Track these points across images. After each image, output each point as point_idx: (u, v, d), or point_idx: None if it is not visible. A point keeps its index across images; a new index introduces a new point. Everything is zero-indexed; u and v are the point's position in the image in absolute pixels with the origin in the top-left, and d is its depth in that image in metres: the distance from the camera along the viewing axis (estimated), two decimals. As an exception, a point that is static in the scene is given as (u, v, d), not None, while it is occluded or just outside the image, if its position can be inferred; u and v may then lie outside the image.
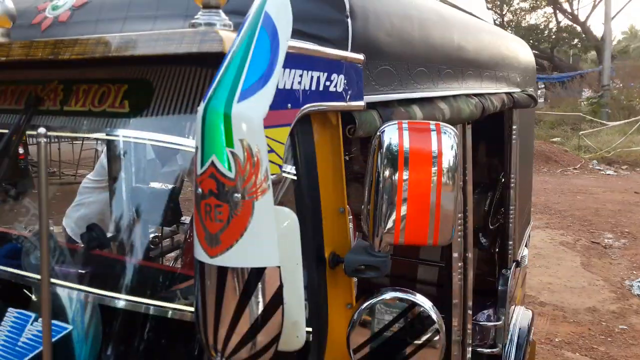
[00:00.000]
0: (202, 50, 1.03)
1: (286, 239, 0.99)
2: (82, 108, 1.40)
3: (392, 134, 1.18)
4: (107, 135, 1.47)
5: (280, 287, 0.93)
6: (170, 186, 2.07)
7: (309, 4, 1.26)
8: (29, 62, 1.34)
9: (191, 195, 0.92)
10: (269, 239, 0.90)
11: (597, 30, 25.65)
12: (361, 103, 1.34)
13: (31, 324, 1.29)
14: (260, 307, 0.91)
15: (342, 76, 1.27)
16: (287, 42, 0.97)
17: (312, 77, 1.15)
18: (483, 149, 3.50)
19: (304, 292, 1.07)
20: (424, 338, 1.20)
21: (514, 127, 2.90)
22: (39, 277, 1.35)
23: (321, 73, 1.19)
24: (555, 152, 16.09)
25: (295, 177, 1.24)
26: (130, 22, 1.41)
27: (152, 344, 1.33)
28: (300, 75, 1.11)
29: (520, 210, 3.28)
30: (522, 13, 32.69)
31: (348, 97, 1.30)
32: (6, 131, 1.47)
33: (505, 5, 32.33)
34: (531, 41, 32.52)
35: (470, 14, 2.74)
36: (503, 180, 3.11)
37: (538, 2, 31.70)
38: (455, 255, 2.08)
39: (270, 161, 0.93)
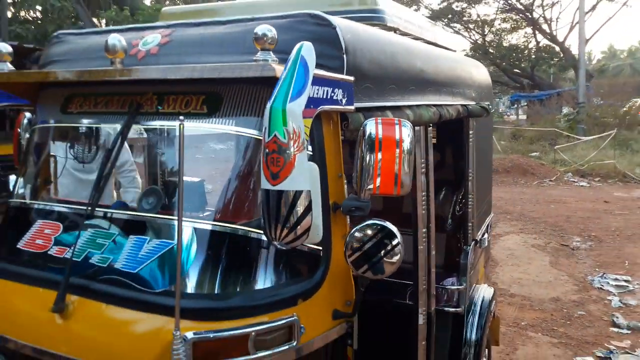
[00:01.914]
0: (263, 75, 1.79)
1: (313, 178, 1.75)
2: (172, 110, 2.16)
3: (371, 127, 1.93)
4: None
5: (310, 202, 1.69)
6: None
7: (321, 47, 1.99)
8: (132, 80, 2.10)
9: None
10: (304, 175, 1.67)
11: (576, 50, 26.68)
12: (352, 107, 2.10)
13: (147, 244, 2.03)
14: (299, 212, 1.68)
15: (340, 90, 2.03)
16: (313, 72, 1.74)
17: (323, 90, 1.92)
18: (450, 153, 4.25)
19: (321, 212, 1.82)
20: (390, 248, 1.92)
21: (471, 132, 3.67)
22: (155, 215, 2.10)
23: (329, 88, 1.95)
24: (533, 165, 16.88)
25: (311, 153, 2.00)
26: (204, 55, 2.17)
27: (226, 250, 2.07)
28: (317, 89, 1.87)
29: (479, 200, 4.03)
30: (503, 33, 33.62)
31: (344, 103, 2.06)
32: (118, 126, 2.23)
33: (486, 26, 33.38)
34: (512, 60, 33.60)
35: (434, 44, 3.55)
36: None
37: (518, 23, 32.67)
38: (420, 226, 2.79)
39: None
